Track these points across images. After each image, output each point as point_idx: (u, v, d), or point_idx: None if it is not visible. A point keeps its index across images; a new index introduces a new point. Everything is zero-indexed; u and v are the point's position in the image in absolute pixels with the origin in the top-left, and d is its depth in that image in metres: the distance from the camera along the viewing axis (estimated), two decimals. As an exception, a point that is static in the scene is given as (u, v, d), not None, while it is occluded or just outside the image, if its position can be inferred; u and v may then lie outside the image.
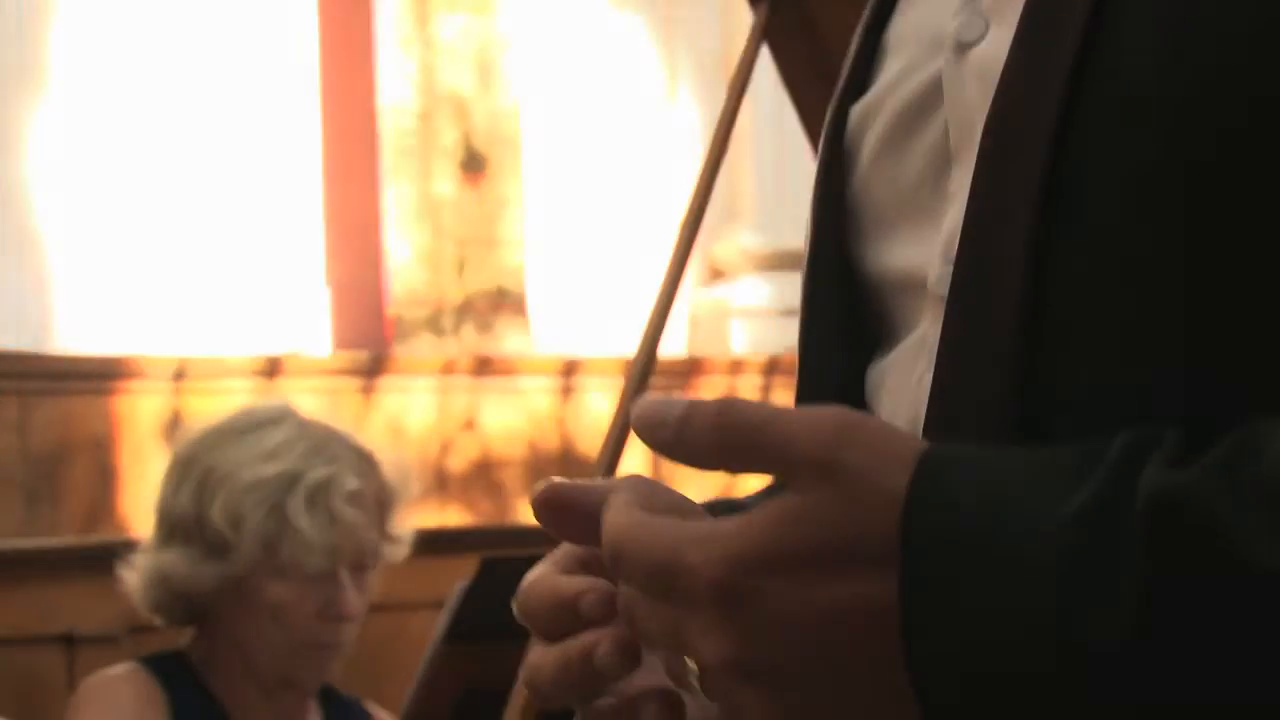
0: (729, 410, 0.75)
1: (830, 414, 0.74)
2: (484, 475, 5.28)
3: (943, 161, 0.87)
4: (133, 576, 2.30)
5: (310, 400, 5.03)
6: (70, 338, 4.84)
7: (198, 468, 2.26)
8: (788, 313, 5.62)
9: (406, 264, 5.28)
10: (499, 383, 5.27)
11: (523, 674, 0.84)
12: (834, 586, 0.72)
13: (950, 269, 0.83)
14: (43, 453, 4.64)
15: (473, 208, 5.33)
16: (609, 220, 5.61)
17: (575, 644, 0.81)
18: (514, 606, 0.84)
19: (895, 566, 0.71)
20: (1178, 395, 0.76)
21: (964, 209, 0.83)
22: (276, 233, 5.17)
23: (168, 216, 4.98)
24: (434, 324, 5.31)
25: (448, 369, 5.18)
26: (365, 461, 2.31)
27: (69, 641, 3.95)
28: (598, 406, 5.32)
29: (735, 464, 0.76)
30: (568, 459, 5.31)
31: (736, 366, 5.52)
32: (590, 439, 5.30)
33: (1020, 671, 0.70)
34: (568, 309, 5.56)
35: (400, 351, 5.22)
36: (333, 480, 2.25)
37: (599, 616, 0.81)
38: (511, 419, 5.30)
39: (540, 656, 0.83)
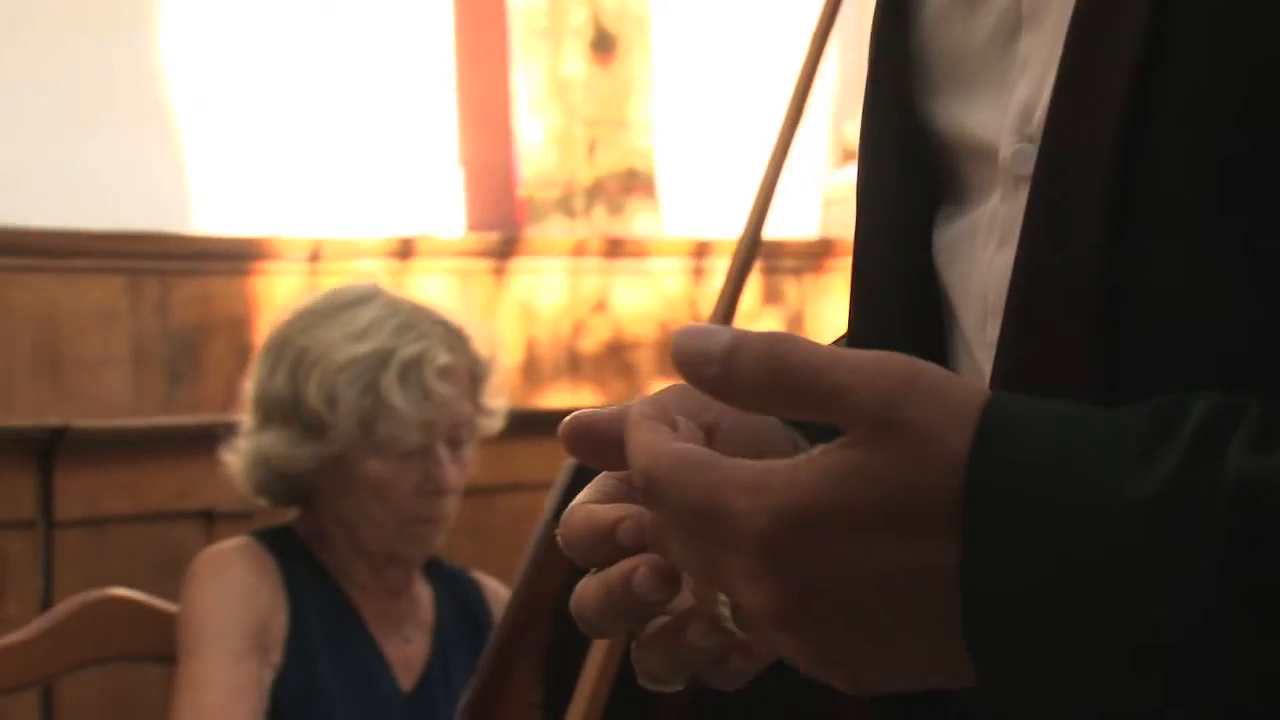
0: (781, 350, 0.70)
1: (891, 364, 0.70)
2: (616, 356, 5.31)
3: (1014, 23, 0.84)
4: (234, 460, 2.35)
5: (442, 282, 5.08)
6: (208, 218, 4.91)
7: (291, 350, 2.30)
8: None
9: (537, 145, 5.30)
10: (630, 264, 5.29)
11: (571, 605, 0.82)
12: (889, 550, 0.69)
13: (1024, 146, 0.81)
14: (183, 332, 4.73)
15: (603, 88, 5.34)
16: (739, 100, 5.60)
17: (615, 570, 0.79)
18: (557, 537, 0.82)
19: (956, 534, 0.68)
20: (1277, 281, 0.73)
21: (1039, 81, 0.81)
22: (409, 114, 5.20)
23: (303, 98, 5.03)
24: (565, 205, 5.34)
25: (579, 250, 5.21)
26: (455, 336, 2.33)
27: (208, 517, 4.04)
28: (728, 287, 5.34)
29: (785, 408, 0.71)
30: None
31: (867, 247, 5.51)
32: (720, 320, 5.32)
33: (1086, 651, 0.67)
34: (698, 190, 5.56)
35: (532, 233, 5.25)
36: (424, 356, 2.28)
37: (637, 544, 0.79)
38: (643, 300, 5.32)
39: (583, 586, 0.81)
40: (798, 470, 0.70)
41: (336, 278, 4.81)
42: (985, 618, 0.68)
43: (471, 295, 5.13)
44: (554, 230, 5.30)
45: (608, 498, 0.82)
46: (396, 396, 2.26)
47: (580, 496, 0.83)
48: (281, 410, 2.29)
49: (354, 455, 2.29)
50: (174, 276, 4.70)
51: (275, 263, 4.82)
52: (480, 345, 2.36)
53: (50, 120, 4.68)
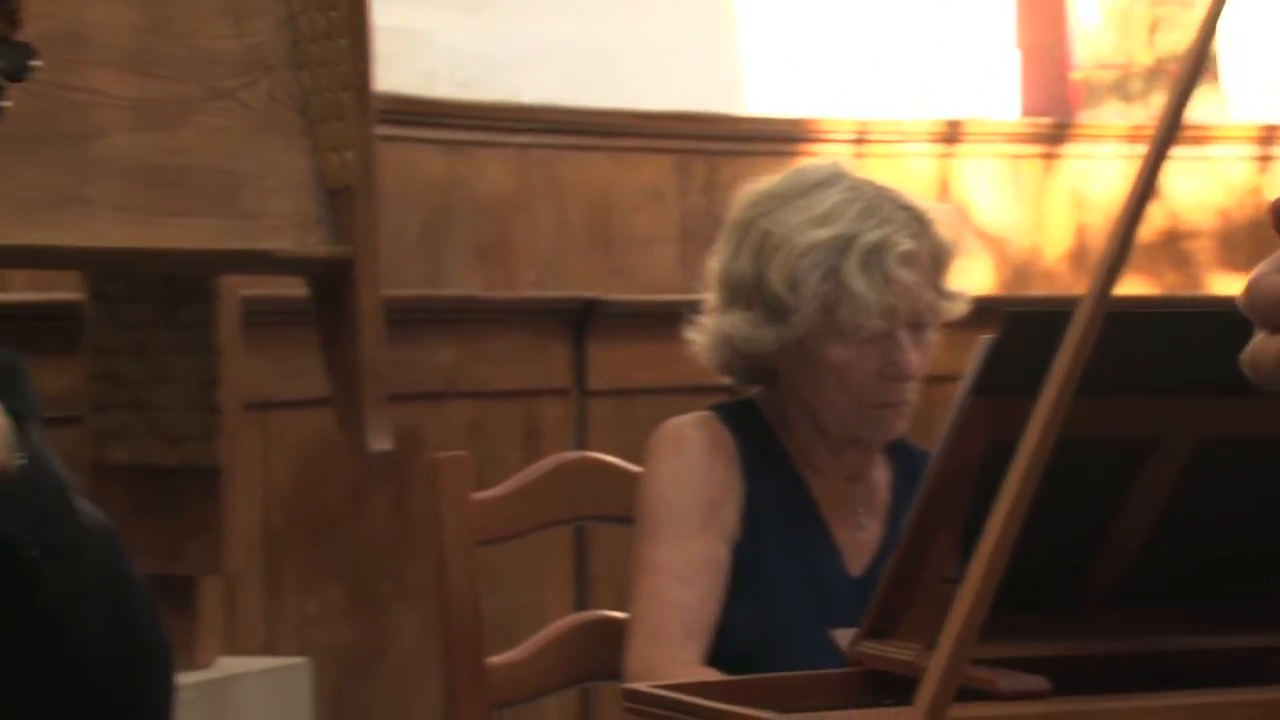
0: None
1: None
2: (1171, 246, 5.16)
3: None
4: (698, 338, 2.38)
5: (990, 167, 5.01)
6: (760, 100, 4.96)
7: (754, 232, 2.30)
8: None
9: (1094, 26, 5.16)
10: (1190, 151, 5.11)
11: (1246, 357, 0.95)
12: None
13: None
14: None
15: (1166, -33, 5.16)
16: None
17: None
18: (1244, 297, 0.95)
19: None
20: None
21: None
22: (965, -5, 5.14)
23: (855, -20, 5.02)
24: (1121, 89, 5.19)
25: (1135, 136, 5.06)
26: (918, 221, 2.30)
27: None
28: (1293, 176, 5.11)
29: None
30: (1260, 230, 5.12)
31: None
32: (1283, 210, 5.10)
33: None
34: (1266, 73, 5.32)
35: (1085, 117, 5.12)
36: (886, 242, 2.26)
37: None
38: (1202, 188, 5.14)
39: (1265, 343, 0.94)
40: None
41: (881, 160, 4.80)
42: None
43: (1020, 181, 5.05)
44: (1109, 114, 5.16)
45: None
46: (858, 282, 2.25)
47: (1263, 266, 0.95)
48: (744, 292, 2.31)
49: (816, 339, 2.29)
50: (721, 157, 4.77)
51: (820, 145, 4.83)
52: (944, 229, 2.32)
53: (607, 0, 4.80)
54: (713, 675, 2.21)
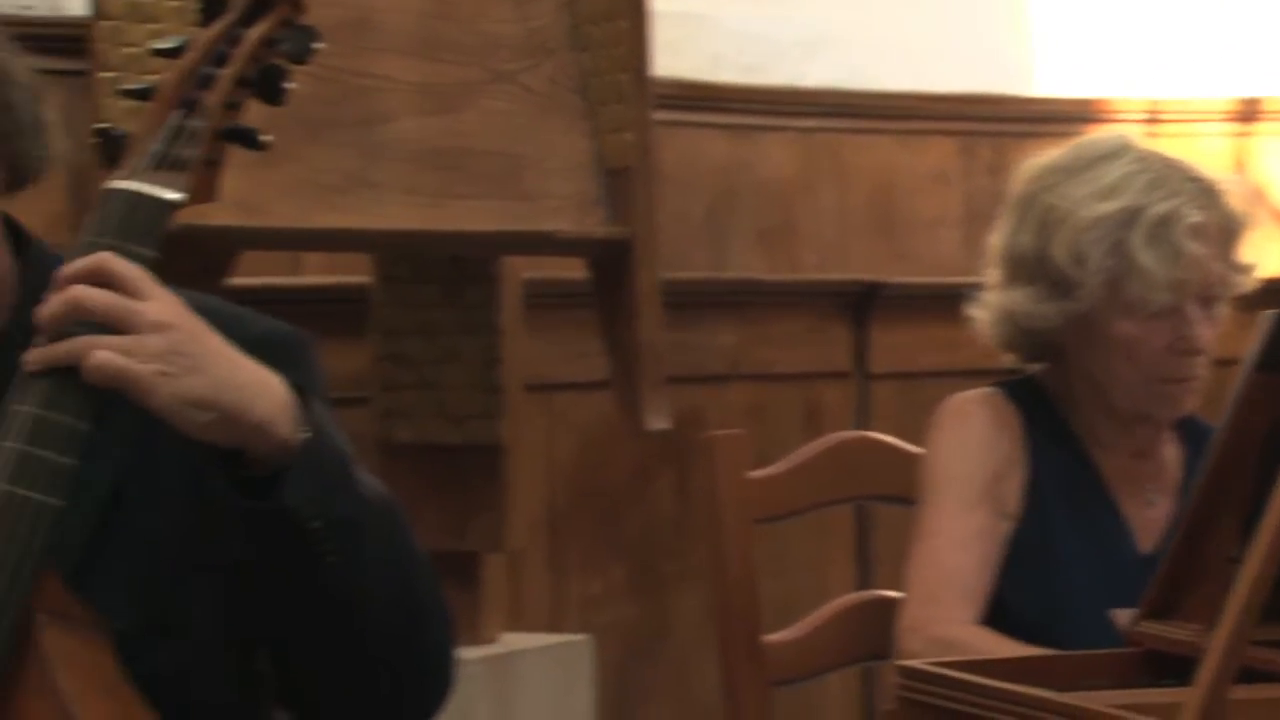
0: None
1: None
2: None
3: None
4: (981, 315, 2.36)
5: (1286, 144, 4.88)
6: (1046, 79, 4.89)
7: (1038, 206, 2.27)
8: None
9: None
10: None
11: None
12: None
13: None
14: (1016, 194, 4.74)
15: None
16: None
17: None
18: None
19: None
20: None
21: None
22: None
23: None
24: None
25: None
26: (1207, 193, 2.25)
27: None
28: None
29: None
30: None
31: None
32: None
33: None
34: None
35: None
36: (1174, 214, 2.21)
37: None
38: None
39: None
40: None
41: (1173, 140, 4.70)
42: None
43: (1319, 160, 4.92)
44: None
45: None
46: (1145, 256, 2.21)
47: None
48: (1027, 268, 2.28)
49: (1101, 314, 2.25)
50: (1007, 139, 4.72)
51: (1110, 125, 4.75)
52: (1234, 200, 2.28)
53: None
54: (986, 634, 2.20)
